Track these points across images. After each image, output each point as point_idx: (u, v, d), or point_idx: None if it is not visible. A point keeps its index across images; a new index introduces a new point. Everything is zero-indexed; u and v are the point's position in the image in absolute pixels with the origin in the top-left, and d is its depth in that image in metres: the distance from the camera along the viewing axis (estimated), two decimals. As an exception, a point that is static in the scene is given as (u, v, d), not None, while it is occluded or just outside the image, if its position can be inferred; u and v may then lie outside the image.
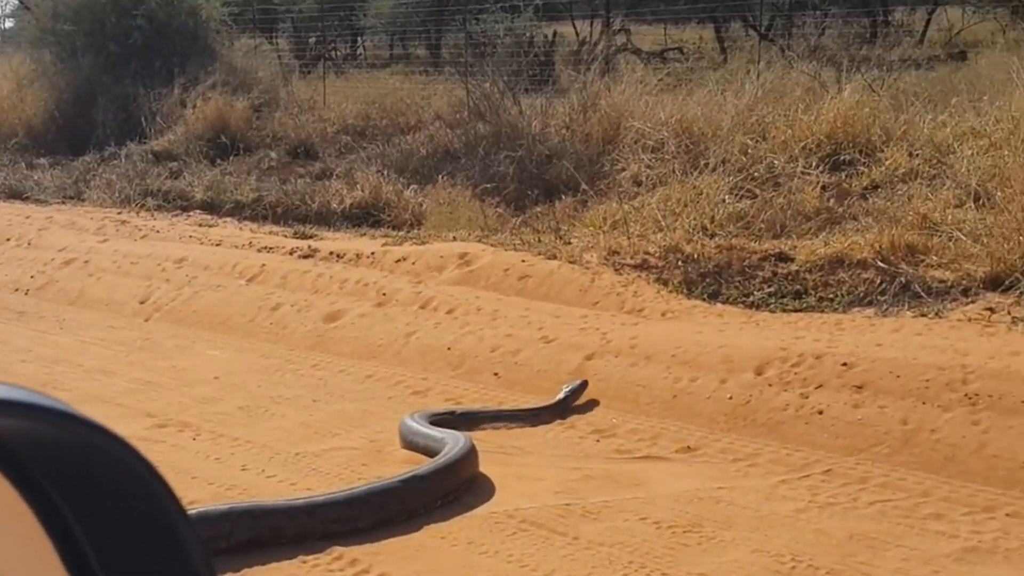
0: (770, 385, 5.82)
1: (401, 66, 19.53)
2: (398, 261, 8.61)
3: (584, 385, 6.23)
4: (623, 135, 10.44)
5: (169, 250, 9.95)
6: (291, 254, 9.31)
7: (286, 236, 10.18)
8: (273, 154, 13.38)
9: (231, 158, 13.43)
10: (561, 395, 6.18)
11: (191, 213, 11.87)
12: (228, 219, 11.47)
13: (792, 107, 9.82)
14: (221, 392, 6.80)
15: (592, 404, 6.16)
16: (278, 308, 8.28)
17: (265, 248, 9.66)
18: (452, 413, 6.08)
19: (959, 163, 8.19)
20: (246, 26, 20.15)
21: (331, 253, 9.11)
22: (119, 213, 12.07)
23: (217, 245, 10.07)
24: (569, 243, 8.35)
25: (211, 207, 11.86)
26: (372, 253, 8.90)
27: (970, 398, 5.25)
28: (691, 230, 7.88)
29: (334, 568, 4.40)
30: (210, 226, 11.10)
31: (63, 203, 13.09)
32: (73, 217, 12.00)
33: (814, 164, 8.86)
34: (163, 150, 14.04)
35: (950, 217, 7.34)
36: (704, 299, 7.20)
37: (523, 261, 8.03)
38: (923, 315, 6.45)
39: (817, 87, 10.39)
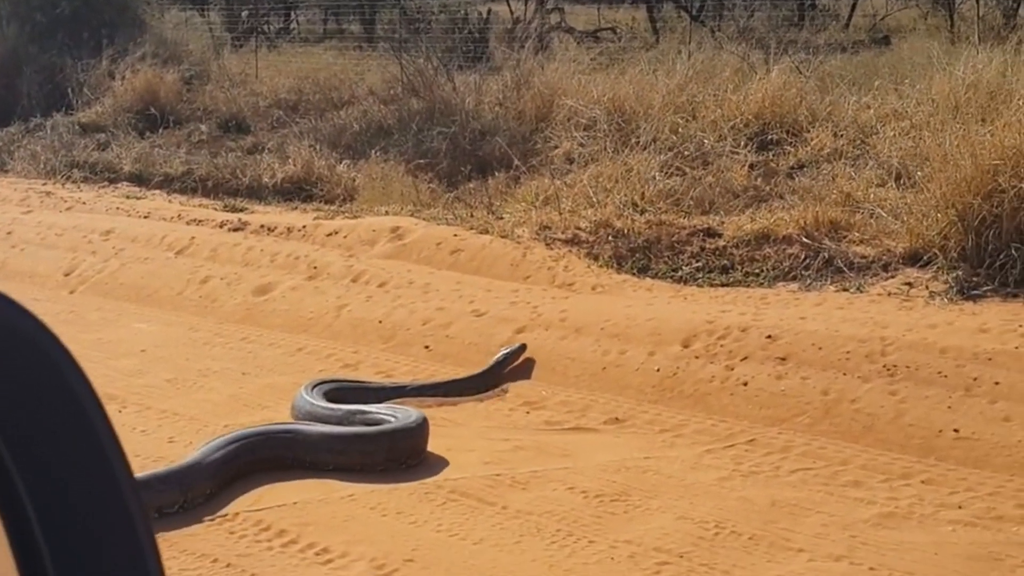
0: (697, 357, 5.92)
1: (335, 41, 19.35)
2: (330, 235, 8.58)
3: (522, 348, 6.30)
4: (556, 113, 10.49)
5: (96, 222, 9.82)
6: (221, 227, 9.24)
7: (216, 209, 10.10)
8: (204, 127, 13.21)
9: (161, 131, 13.25)
10: (499, 356, 6.26)
11: (119, 185, 11.70)
12: (157, 192, 11.33)
13: (722, 87, 9.94)
14: (148, 365, 6.75)
15: (522, 376, 6.22)
16: (207, 281, 8.22)
17: (194, 221, 9.58)
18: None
19: (881, 144, 8.36)
20: (176, -2, 19.87)
21: (262, 226, 9.05)
22: (44, 185, 11.87)
23: (145, 217, 9.96)
24: (501, 218, 8.39)
25: (139, 180, 11.71)
26: (303, 227, 8.86)
27: (888, 369, 5.38)
28: (622, 206, 7.95)
29: (261, 539, 4.41)
30: (138, 198, 10.96)
31: (-14, 174, 12.84)
32: (-3, 188, 11.79)
33: (742, 143, 8.98)
34: (90, 122, 13.80)
35: (872, 195, 7.50)
36: (634, 273, 7.28)
37: (455, 235, 8.05)
38: (845, 289, 6.60)
39: (746, 68, 10.52)
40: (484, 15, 17.70)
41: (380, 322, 7.10)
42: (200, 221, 9.54)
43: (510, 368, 6.25)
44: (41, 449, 0.90)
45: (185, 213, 9.94)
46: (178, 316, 7.82)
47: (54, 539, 0.90)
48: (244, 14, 20.32)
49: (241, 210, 9.98)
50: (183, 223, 9.57)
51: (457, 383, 6.20)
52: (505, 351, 6.30)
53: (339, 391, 5.87)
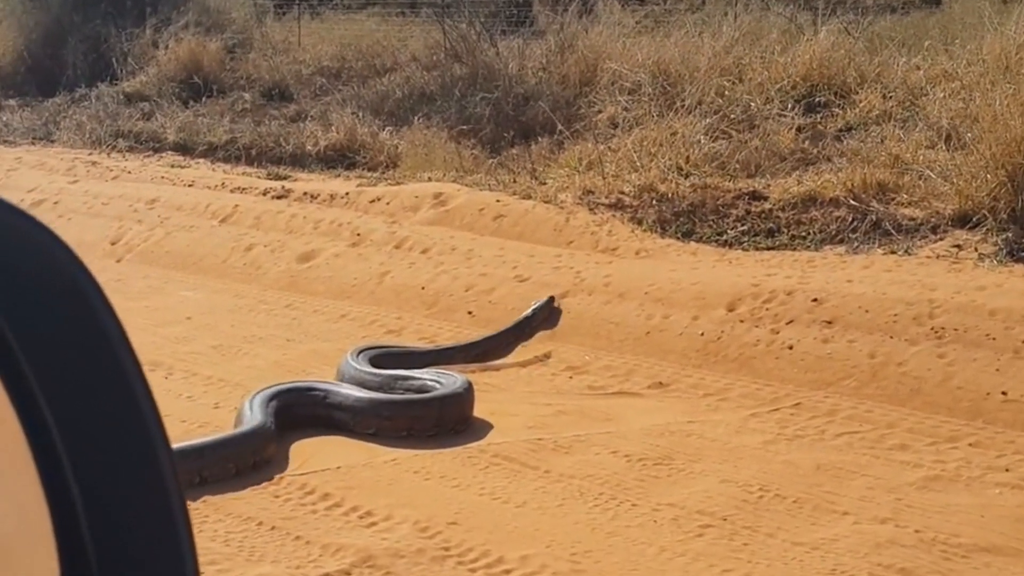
0: (742, 321, 5.87)
1: (378, 8, 19.31)
2: (372, 201, 8.58)
3: (551, 301, 6.33)
4: (600, 77, 10.40)
5: (141, 191, 9.89)
6: (264, 195, 9.27)
7: (259, 177, 10.13)
8: (247, 96, 13.24)
9: (204, 100, 13.29)
10: (529, 311, 6.29)
11: (163, 154, 11.76)
12: (201, 161, 11.38)
13: (768, 49, 9.80)
14: (194, 332, 6.79)
15: (566, 341, 6.20)
16: (251, 249, 8.26)
17: (238, 189, 9.61)
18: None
19: (931, 105, 8.22)
20: (219, -33, 19.87)
21: (305, 194, 9.07)
22: (90, 154, 11.95)
23: (189, 186, 10.01)
24: (544, 183, 8.35)
25: (183, 149, 11.77)
26: (346, 194, 8.87)
27: (936, 332, 5.31)
28: (666, 170, 7.89)
29: (306, 502, 4.43)
30: (182, 167, 11.02)
31: (33, 144, 12.94)
32: (43, 158, 11.88)
33: (789, 106, 8.87)
34: (135, 91, 13.87)
35: (921, 157, 7.39)
36: (678, 238, 7.23)
37: (498, 201, 8.03)
38: (893, 252, 6.51)
39: (793, 30, 10.37)
40: (527, -21, 17.57)
41: (423, 288, 7.10)
42: (244, 189, 9.57)
43: (542, 320, 6.28)
44: (70, 387, 0.89)
45: (229, 181, 9.97)
46: (223, 283, 7.86)
47: (87, 489, 0.89)
48: (287, -18, 20.30)
49: (284, 178, 10.00)
50: (227, 191, 9.61)
51: (491, 339, 6.22)
52: (535, 305, 6.33)
53: (384, 356, 5.88)
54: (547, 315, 6.34)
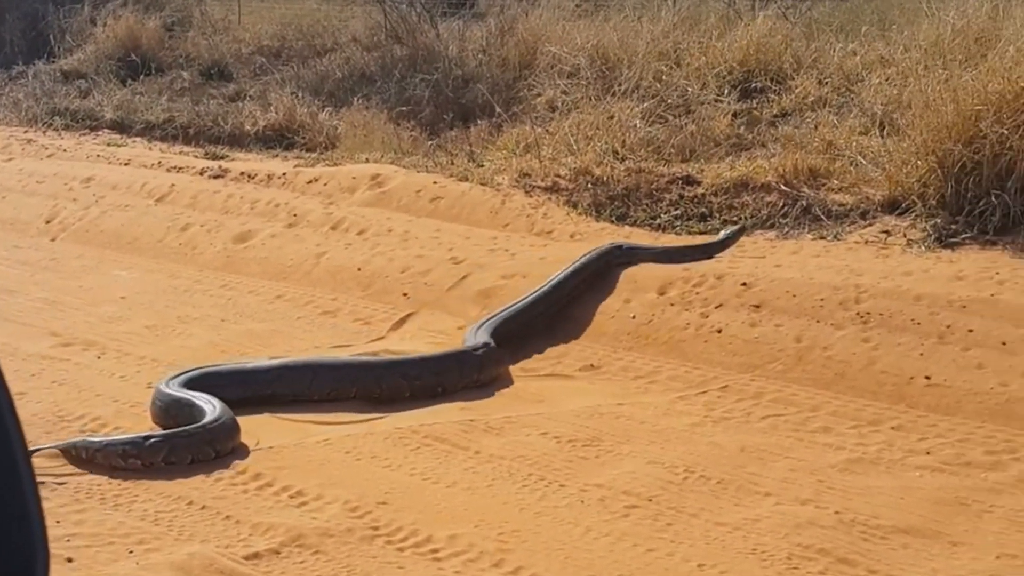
0: (672, 305, 5.93)
1: (319, -12, 19.17)
2: (310, 182, 8.56)
3: (743, 229, 6.69)
4: (539, 60, 10.41)
5: (76, 169, 9.78)
6: (201, 174, 9.21)
7: (197, 156, 10.06)
8: (186, 74, 13.12)
9: (142, 78, 13.16)
10: (721, 236, 6.55)
11: (100, 133, 11.64)
12: (138, 139, 11.27)
13: (706, 34, 9.87)
14: (128, 312, 6.75)
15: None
16: (187, 228, 8.21)
17: (175, 168, 9.54)
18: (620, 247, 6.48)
19: (866, 91, 8.32)
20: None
21: (242, 174, 9.02)
22: (25, 132, 11.81)
23: (125, 165, 9.92)
24: (482, 166, 8.37)
25: (121, 127, 11.65)
26: (284, 174, 8.83)
27: (862, 317, 5.41)
28: (602, 154, 7.94)
29: (237, 482, 4.44)
30: (119, 146, 10.91)
31: (-33, 122, 12.75)
32: (-23, 136, 11.72)
33: (726, 91, 8.94)
34: (72, 69, 13.69)
35: (854, 143, 7.48)
36: (612, 221, 7.29)
37: (435, 183, 8.04)
38: (822, 237, 6.62)
39: (732, 15, 10.44)
40: (470, -39, 17.52)
41: (359, 270, 7.10)
42: (180, 168, 9.50)
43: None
44: None
45: (165, 160, 9.89)
46: (158, 263, 7.82)
47: None
48: (228, -40, 20.07)
49: (222, 157, 9.94)
50: (163, 170, 9.54)
51: (680, 250, 6.56)
52: (725, 232, 6.62)
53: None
54: (736, 242, 6.57)
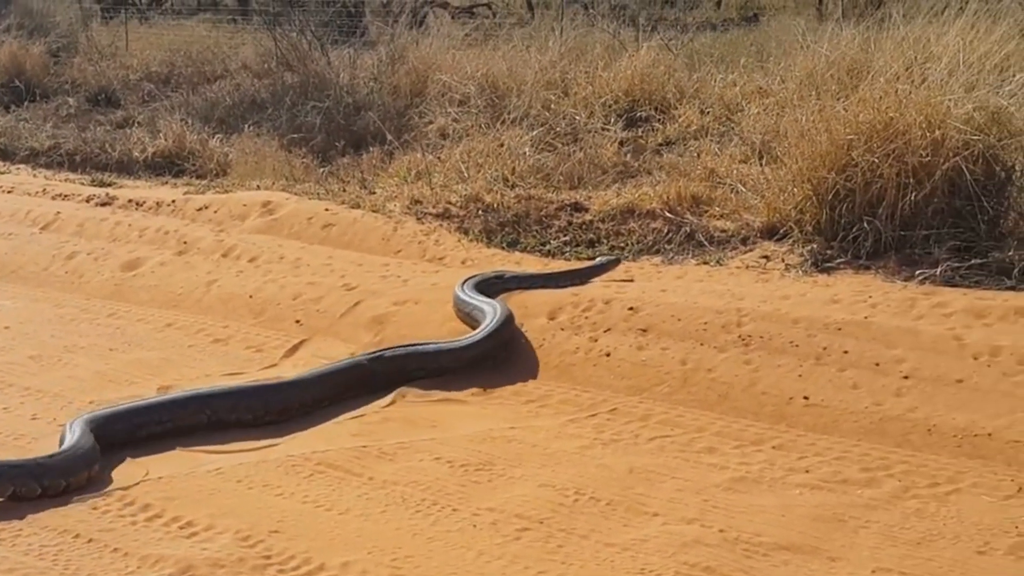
0: (562, 329, 6.04)
1: (209, 14, 19.04)
2: (200, 209, 8.50)
3: (617, 260, 6.80)
4: (430, 88, 10.53)
5: (-44, 197, 9.56)
6: (88, 202, 9.07)
7: (83, 184, 9.91)
8: (72, 101, 12.94)
9: (26, 104, 12.93)
10: (595, 262, 6.70)
11: (-19, 160, 11.40)
12: (22, 167, 11.07)
13: (593, 64, 10.09)
14: (11, 342, 6.62)
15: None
16: (73, 257, 8.08)
17: (60, 196, 9.38)
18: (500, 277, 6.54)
19: (746, 120, 8.59)
20: (42, -33, 19.28)
21: (130, 201, 8.92)
22: (-98, 159, 11.49)
23: (9, 192, 9.72)
24: (373, 193, 8.42)
25: (3, 154, 11.43)
26: (173, 201, 8.75)
27: (743, 339, 5.58)
28: (492, 181, 8.06)
29: (125, 513, 4.39)
30: (2, 173, 10.69)
31: None
32: None
33: (612, 120, 9.15)
34: (-48, 94, 13.40)
35: (735, 171, 7.73)
36: (503, 247, 7.39)
37: (327, 210, 8.05)
38: (705, 263, 6.81)
39: (617, 45, 10.68)
40: (360, -11, 17.57)
41: (251, 297, 7.08)
42: (66, 196, 9.35)
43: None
44: None
45: (51, 188, 9.73)
46: (43, 292, 7.67)
47: None
48: (114, -16, 19.83)
49: (109, 185, 9.81)
50: (48, 198, 9.37)
51: (554, 276, 6.67)
52: (600, 260, 6.75)
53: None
54: (610, 271, 6.70)
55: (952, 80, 6.76)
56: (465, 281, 6.40)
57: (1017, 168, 6.60)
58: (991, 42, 7.18)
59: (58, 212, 8.84)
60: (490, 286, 6.42)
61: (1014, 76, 6.98)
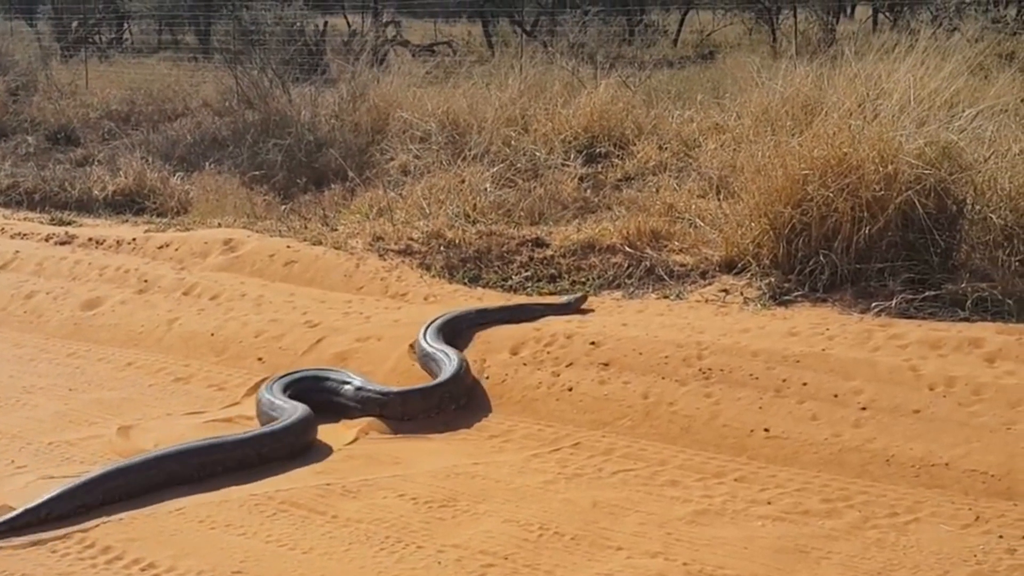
0: (525, 364, 6.07)
1: (169, 53, 19.06)
2: (161, 247, 8.48)
3: (584, 297, 6.87)
4: (391, 125, 10.59)
5: (-87, 237, 9.48)
6: (47, 240, 9.03)
7: (42, 223, 9.86)
8: (31, 139, 12.90)
9: (-16, 143, 12.87)
10: (565, 299, 6.75)
11: (-62, 199, 11.31)
12: (-21, 206, 10.99)
13: (552, 101, 10.19)
14: (-31, 383, 6.56)
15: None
16: (32, 296, 8.03)
17: (19, 235, 9.33)
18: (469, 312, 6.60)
19: (704, 156, 8.70)
20: (1, 6, 19.27)
21: (90, 240, 8.88)
22: None
23: (-34, 232, 9.66)
24: (335, 230, 8.44)
25: (-39, 194, 11.34)
26: (133, 239, 8.73)
27: (704, 372, 5.63)
28: (453, 217, 8.11)
29: (85, 556, 4.35)
30: (-41, 213, 10.62)
31: None
32: None
33: (572, 156, 9.23)
34: (-91, 134, 13.31)
35: (693, 206, 7.82)
36: (465, 283, 7.43)
37: (289, 247, 8.06)
38: (665, 297, 6.87)
39: (576, 83, 10.79)
40: (320, 28, 17.65)
41: (212, 335, 7.06)
42: (25, 235, 9.30)
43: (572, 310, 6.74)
44: None
45: (9, 227, 9.67)
46: (2, 332, 7.62)
47: None
48: (74, 24, 19.82)
49: (69, 223, 9.77)
50: (7, 237, 9.32)
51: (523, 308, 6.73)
52: (569, 297, 6.85)
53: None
54: (577, 308, 6.74)
55: (903, 116, 6.88)
56: (428, 326, 6.41)
57: (968, 201, 6.72)
58: (940, 78, 7.31)
59: (17, 251, 8.79)
60: (460, 323, 6.48)
61: (963, 111, 7.11)
